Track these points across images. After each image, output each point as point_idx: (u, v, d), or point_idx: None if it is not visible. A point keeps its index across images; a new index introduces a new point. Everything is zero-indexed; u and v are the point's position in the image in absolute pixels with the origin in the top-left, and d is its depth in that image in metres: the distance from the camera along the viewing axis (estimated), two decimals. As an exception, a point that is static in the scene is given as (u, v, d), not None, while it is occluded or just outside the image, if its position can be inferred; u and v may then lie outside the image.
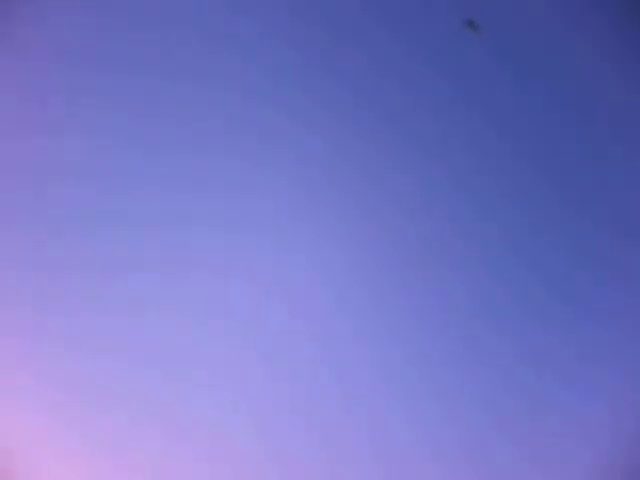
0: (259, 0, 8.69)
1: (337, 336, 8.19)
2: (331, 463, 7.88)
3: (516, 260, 8.43)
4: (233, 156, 8.44)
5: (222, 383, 7.98)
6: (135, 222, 8.22)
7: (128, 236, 8.15)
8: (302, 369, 8.10)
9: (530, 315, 8.30)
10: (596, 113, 8.66)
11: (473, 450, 7.97)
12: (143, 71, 8.46)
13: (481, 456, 7.96)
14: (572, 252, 8.43)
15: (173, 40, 8.55)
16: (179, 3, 8.64)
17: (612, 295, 8.35)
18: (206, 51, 8.59)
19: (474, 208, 8.51)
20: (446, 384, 8.13)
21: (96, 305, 8.00)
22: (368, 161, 8.56)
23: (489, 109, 8.68)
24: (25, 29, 8.37)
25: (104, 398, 7.81)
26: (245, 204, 8.38)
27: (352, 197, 8.47)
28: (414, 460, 7.93)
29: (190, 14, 8.64)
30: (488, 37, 8.65)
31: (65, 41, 8.42)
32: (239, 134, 8.44)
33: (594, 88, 8.70)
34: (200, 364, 8.00)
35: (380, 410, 8.05)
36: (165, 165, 8.36)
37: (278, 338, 8.13)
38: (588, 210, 8.52)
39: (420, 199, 8.52)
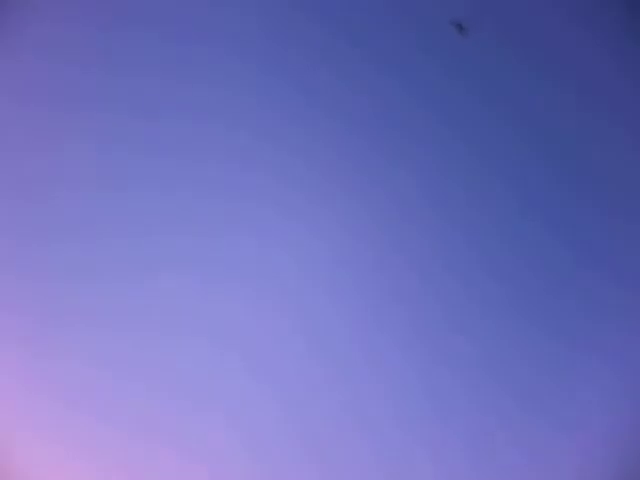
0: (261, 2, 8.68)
1: (332, 338, 8.20)
2: (321, 463, 7.90)
3: (515, 258, 8.41)
4: (230, 159, 8.45)
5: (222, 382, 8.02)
6: (132, 225, 8.24)
7: (123, 241, 8.17)
8: (294, 371, 8.12)
9: (529, 315, 8.29)
10: (600, 112, 8.62)
11: (471, 449, 7.97)
12: (144, 73, 8.47)
13: (480, 455, 7.96)
14: (573, 250, 8.41)
15: (173, 43, 8.55)
16: (180, 7, 8.63)
17: (612, 293, 8.34)
18: (205, 51, 8.59)
19: (470, 201, 8.49)
20: (442, 385, 8.13)
21: (91, 313, 8.05)
22: (363, 159, 8.54)
23: (491, 107, 8.65)
24: (23, 31, 8.37)
25: (100, 406, 7.85)
26: (239, 206, 8.39)
27: (347, 197, 8.46)
28: (410, 460, 7.93)
29: (191, 16, 8.63)
30: (493, 34, 8.61)
31: (65, 42, 8.42)
32: (237, 138, 8.45)
33: (594, 77, 8.66)
34: (195, 362, 8.04)
35: (373, 408, 8.06)
36: (160, 168, 8.37)
37: (271, 343, 8.15)
38: (589, 208, 8.50)
39: (421, 201, 8.50)
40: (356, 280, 8.32)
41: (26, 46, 8.37)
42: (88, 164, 8.29)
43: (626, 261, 8.37)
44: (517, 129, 8.64)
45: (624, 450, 7.90)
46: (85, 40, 8.47)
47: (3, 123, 8.26)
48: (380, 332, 8.23)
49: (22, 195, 8.18)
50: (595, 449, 7.93)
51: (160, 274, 8.14)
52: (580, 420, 8.01)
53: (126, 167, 8.32)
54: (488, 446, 7.97)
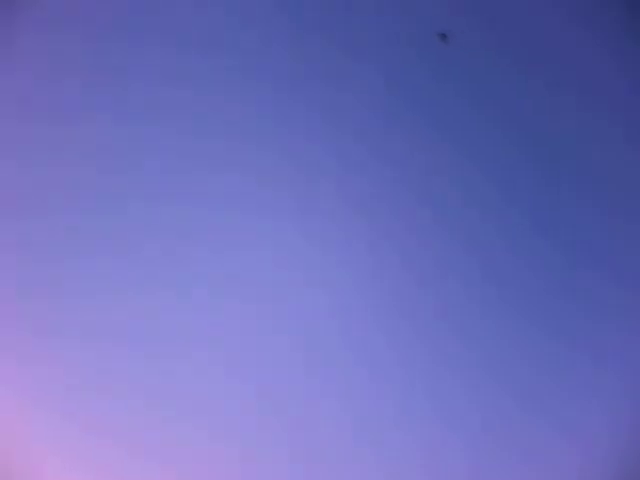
0: (261, 13, 8.68)
1: (330, 340, 8.21)
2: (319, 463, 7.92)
3: (515, 260, 8.40)
4: (232, 169, 8.45)
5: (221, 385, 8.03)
6: (129, 239, 8.26)
7: (120, 255, 8.18)
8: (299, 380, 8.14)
9: (529, 315, 8.29)
10: (600, 112, 8.61)
11: (471, 449, 7.98)
12: (145, 79, 8.48)
13: (480, 454, 7.96)
14: (573, 250, 8.40)
15: (172, 52, 8.56)
16: (180, 18, 8.64)
17: (612, 293, 8.33)
18: (205, 59, 8.59)
19: (467, 202, 8.49)
20: (442, 385, 8.14)
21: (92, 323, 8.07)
22: (369, 168, 8.55)
23: (489, 108, 8.65)
24: (25, 36, 8.39)
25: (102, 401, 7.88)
26: (244, 217, 8.39)
27: (355, 209, 8.46)
28: (409, 460, 7.94)
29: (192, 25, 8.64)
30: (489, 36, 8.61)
31: (61, 52, 8.44)
32: (239, 146, 8.45)
33: (593, 76, 8.65)
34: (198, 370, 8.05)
35: (372, 409, 8.07)
36: (163, 178, 8.38)
37: (270, 348, 8.16)
38: (589, 208, 8.49)
39: (418, 203, 8.51)
40: (356, 282, 8.33)
41: (22, 56, 8.39)
42: (85, 175, 8.30)
43: (626, 261, 8.36)
44: (515, 130, 8.64)
45: (624, 450, 7.90)
46: (82, 50, 8.48)
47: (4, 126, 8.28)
48: (379, 333, 8.24)
49: (19, 208, 8.20)
50: (595, 449, 7.93)
51: (156, 288, 8.16)
52: (580, 420, 8.01)
53: (121, 179, 8.33)
54: (488, 446, 7.98)
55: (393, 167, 8.55)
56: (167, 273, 8.21)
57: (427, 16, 8.64)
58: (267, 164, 8.47)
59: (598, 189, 8.50)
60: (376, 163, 8.55)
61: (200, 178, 8.44)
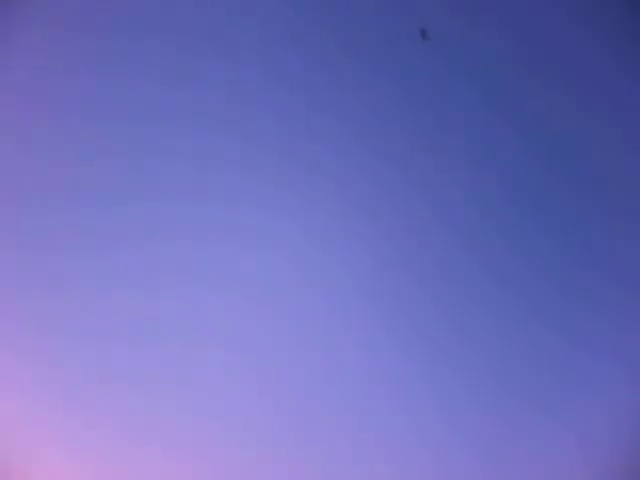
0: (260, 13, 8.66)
1: (332, 340, 8.21)
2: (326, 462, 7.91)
3: (515, 259, 8.41)
4: (234, 168, 8.44)
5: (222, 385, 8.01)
6: (134, 236, 8.24)
7: (124, 251, 8.16)
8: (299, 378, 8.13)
9: (530, 315, 8.30)
10: (600, 112, 8.62)
11: (472, 449, 7.98)
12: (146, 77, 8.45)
13: (480, 454, 7.97)
14: (574, 252, 8.41)
15: (172, 48, 8.53)
16: (180, 13, 8.61)
17: (612, 293, 8.34)
18: (209, 58, 8.57)
19: (469, 202, 8.49)
20: (443, 386, 8.14)
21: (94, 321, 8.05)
22: (370, 168, 8.54)
23: (492, 109, 8.65)
24: (22, 35, 8.35)
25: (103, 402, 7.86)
26: (245, 216, 8.38)
27: (347, 202, 8.45)
28: (412, 459, 7.94)
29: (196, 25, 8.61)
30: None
31: (61, 48, 8.40)
32: (240, 146, 8.44)
33: (592, 75, 8.65)
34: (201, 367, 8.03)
35: (376, 409, 8.07)
36: (167, 176, 8.37)
37: (272, 346, 8.15)
38: (589, 208, 8.50)
39: (421, 204, 8.50)
40: (356, 283, 8.32)
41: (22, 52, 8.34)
42: (88, 172, 8.27)
43: (626, 261, 8.38)
44: (517, 131, 8.64)
45: (624, 450, 7.92)
46: (82, 45, 8.45)
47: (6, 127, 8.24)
48: (381, 334, 8.23)
49: (26, 204, 8.17)
50: (595, 449, 7.94)
51: (160, 283, 8.14)
52: (580, 420, 8.02)
53: (124, 176, 8.31)
54: (490, 445, 7.98)
55: (393, 167, 8.55)
56: (167, 273, 8.19)
57: (428, 15, 8.63)
58: (267, 164, 8.46)
59: (598, 189, 8.51)
60: (376, 164, 8.55)
61: (201, 178, 8.43)
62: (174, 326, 8.07)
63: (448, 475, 7.91)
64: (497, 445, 7.99)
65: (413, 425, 8.03)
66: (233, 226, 8.35)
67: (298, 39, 8.61)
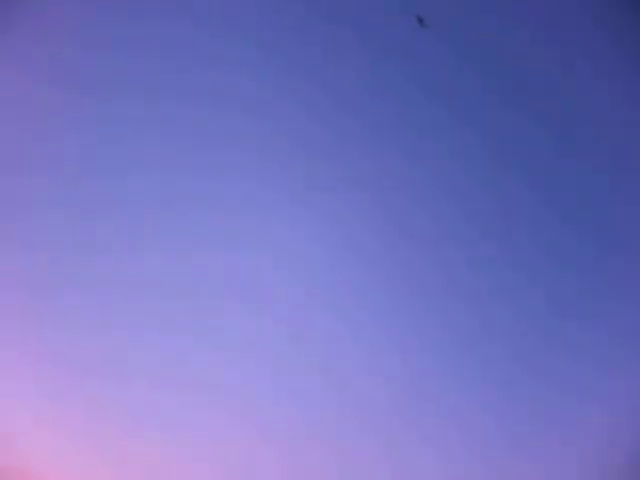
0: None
1: (333, 341, 8.22)
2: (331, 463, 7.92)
3: (515, 269, 8.38)
4: (233, 174, 8.45)
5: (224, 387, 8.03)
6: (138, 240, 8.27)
7: (129, 253, 8.19)
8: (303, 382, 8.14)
9: (528, 322, 8.29)
10: (585, 124, 8.57)
11: (472, 449, 7.98)
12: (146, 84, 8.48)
13: (481, 454, 7.97)
14: (567, 258, 8.39)
15: (172, 27, 8.55)
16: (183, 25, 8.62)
17: (612, 297, 8.33)
18: (209, 69, 8.59)
19: (461, 210, 8.48)
20: (444, 385, 8.14)
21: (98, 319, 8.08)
22: (371, 167, 8.55)
23: (506, 103, 8.63)
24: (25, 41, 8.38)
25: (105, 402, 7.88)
26: (246, 222, 8.39)
27: (352, 210, 8.45)
28: (413, 459, 7.95)
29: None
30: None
31: (65, 28, 8.42)
32: (240, 151, 8.45)
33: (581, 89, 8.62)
34: (201, 375, 8.05)
35: (376, 407, 8.07)
36: (163, 180, 8.39)
37: (273, 345, 8.16)
38: (577, 219, 8.47)
39: (418, 216, 8.51)
40: (356, 284, 8.34)
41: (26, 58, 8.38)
42: (86, 154, 8.30)
43: (628, 269, 8.33)
44: (532, 117, 8.57)
45: (624, 450, 7.91)
46: (84, 25, 8.46)
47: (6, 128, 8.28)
48: (382, 335, 8.25)
49: (20, 208, 8.21)
50: (596, 449, 7.93)
51: (156, 286, 8.17)
52: (581, 420, 8.02)
53: (122, 181, 8.34)
54: (488, 449, 7.98)
55: (395, 168, 8.55)
56: (167, 272, 8.22)
57: (427, 2, 8.60)
58: (268, 164, 8.48)
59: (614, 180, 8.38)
60: (378, 163, 8.56)
61: (199, 180, 8.45)
62: (174, 326, 8.10)
63: (447, 474, 7.92)
64: (496, 446, 8.00)
65: (413, 424, 8.04)
66: (233, 232, 8.38)
67: (297, 31, 8.61)
